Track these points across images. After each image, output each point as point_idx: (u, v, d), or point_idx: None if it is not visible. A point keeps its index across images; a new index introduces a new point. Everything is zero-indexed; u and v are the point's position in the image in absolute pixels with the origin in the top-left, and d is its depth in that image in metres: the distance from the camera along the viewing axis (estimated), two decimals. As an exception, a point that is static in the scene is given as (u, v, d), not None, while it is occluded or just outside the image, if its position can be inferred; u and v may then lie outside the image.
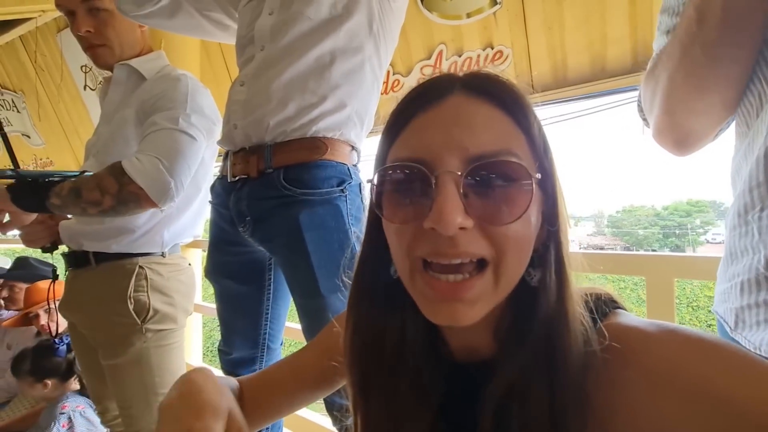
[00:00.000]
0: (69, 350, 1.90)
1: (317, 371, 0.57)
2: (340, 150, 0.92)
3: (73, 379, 1.89)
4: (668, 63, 0.56)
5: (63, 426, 1.68)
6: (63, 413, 1.72)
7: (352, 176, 0.92)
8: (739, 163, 0.55)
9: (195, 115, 1.05)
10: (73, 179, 0.98)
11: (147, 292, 1.10)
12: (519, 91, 0.40)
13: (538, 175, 0.38)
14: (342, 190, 0.89)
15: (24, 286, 2.37)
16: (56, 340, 1.88)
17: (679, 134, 0.60)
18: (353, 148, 0.95)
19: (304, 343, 0.93)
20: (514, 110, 0.39)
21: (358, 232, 0.87)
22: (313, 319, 0.88)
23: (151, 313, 1.09)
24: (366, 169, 0.98)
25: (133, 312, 1.07)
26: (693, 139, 0.60)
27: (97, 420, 1.66)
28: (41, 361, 1.87)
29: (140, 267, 1.11)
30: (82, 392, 1.88)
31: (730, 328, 0.54)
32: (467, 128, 0.37)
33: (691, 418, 0.33)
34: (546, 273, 0.40)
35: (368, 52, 0.94)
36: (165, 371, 1.12)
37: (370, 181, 0.42)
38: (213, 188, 1.02)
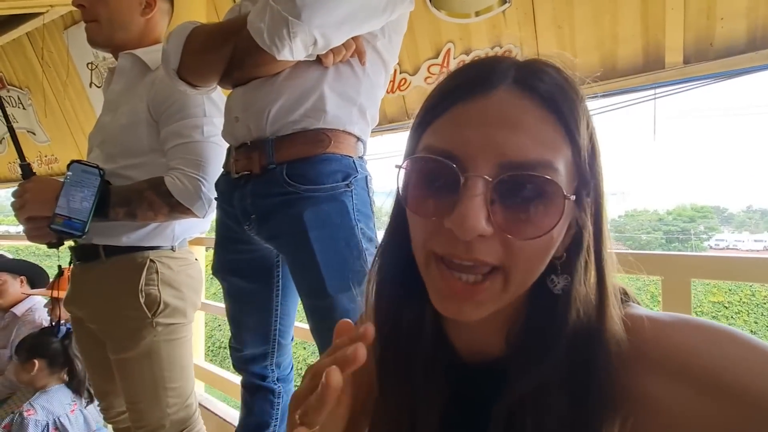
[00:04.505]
0: (66, 335, 1.89)
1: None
2: (345, 142, 0.89)
3: (62, 372, 1.86)
4: None
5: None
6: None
7: (358, 169, 0.89)
8: None
9: (215, 118, 1.08)
10: (123, 195, 1.04)
11: (158, 285, 1.09)
12: (577, 94, 0.37)
13: (573, 197, 0.36)
14: (347, 185, 0.86)
15: (6, 276, 2.36)
16: (55, 323, 1.90)
17: None
18: (358, 139, 0.93)
19: (312, 342, 0.90)
20: (568, 117, 0.36)
21: (364, 227, 0.85)
22: (321, 319, 0.86)
23: (161, 306, 1.09)
24: (371, 166, 0.96)
25: (144, 305, 1.07)
26: None
27: None
28: (36, 339, 1.89)
29: (151, 260, 1.10)
30: (70, 384, 1.86)
31: None
32: (510, 130, 0.35)
33: (704, 408, 0.33)
34: (574, 282, 0.39)
35: (374, 45, 0.92)
36: (174, 365, 1.12)
37: (399, 166, 0.41)
38: (217, 185, 1.00)
